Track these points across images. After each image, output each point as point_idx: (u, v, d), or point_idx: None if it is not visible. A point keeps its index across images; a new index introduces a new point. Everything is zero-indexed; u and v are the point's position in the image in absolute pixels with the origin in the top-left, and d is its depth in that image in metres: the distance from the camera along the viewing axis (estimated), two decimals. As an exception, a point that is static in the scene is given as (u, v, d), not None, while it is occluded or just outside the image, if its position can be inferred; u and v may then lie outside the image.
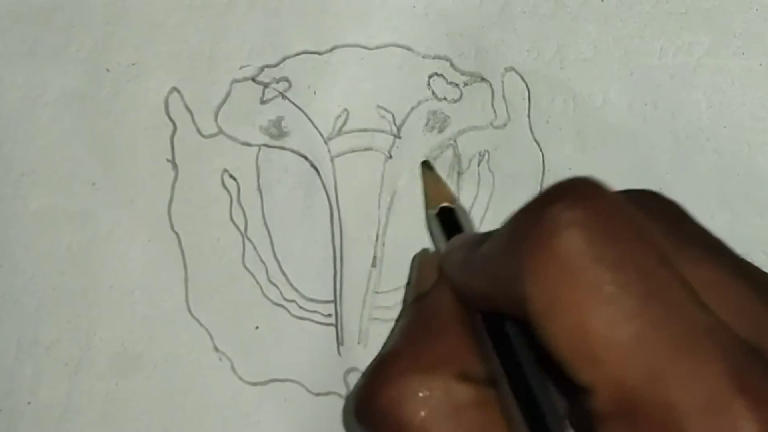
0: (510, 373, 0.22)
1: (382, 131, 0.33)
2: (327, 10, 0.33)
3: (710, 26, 0.32)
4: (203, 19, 0.33)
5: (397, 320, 0.28)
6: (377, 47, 0.33)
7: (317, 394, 0.33)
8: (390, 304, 0.33)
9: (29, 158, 0.33)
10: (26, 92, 0.33)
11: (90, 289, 0.33)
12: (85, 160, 0.33)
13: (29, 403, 0.32)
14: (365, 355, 0.32)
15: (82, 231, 0.33)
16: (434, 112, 0.33)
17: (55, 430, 0.32)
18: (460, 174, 0.34)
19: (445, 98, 0.33)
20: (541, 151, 0.33)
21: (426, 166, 0.33)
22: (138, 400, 0.33)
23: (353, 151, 0.33)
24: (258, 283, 0.33)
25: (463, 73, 0.34)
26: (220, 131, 0.33)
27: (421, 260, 0.31)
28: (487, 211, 0.34)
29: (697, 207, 0.31)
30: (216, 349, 0.33)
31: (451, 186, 0.33)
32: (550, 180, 0.33)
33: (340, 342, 0.33)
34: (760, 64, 0.32)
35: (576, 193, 0.20)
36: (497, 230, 0.22)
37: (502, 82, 0.34)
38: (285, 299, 0.33)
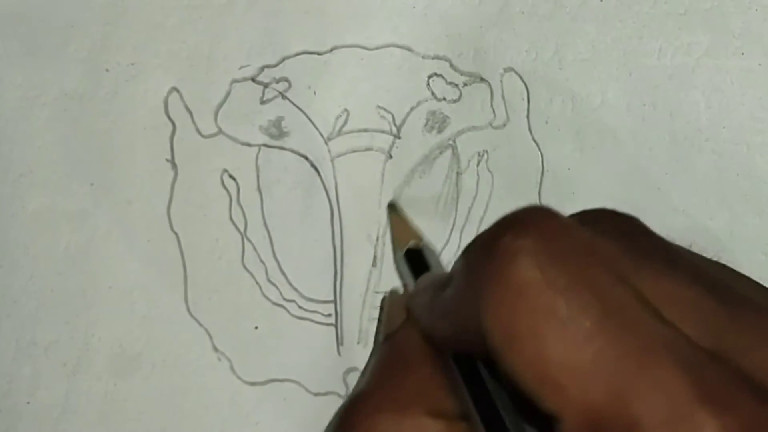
0: (481, 410, 0.22)
1: (382, 131, 0.33)
2: (326, 10, 0.33)
3: (709, 27, 0.33)
4: (202, 19, 0.33)
5: (369, 359, 0.28)
6: (377, 47, 0.33)
7: (317, 394, 0.33)
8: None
9: (28, 158, 0.32)
10: (25, 92, 0.33)
11: (88, 289, 0.33)
12: (84, 160, 0.33)
13: (28, 403, 0.32)
14: (365, 355, 0.32)
15: (80, 231, 0.33)
16: (433, 113, 0.33)
17: (54, 431, 0.32)
18: (459, 174, 0.34)
19: (444, 98, 0.33)
20: (540, 151, 0.33)
21: (392, 208, 0.33)
22: (137, 401, 0.32)
23: (353, 151, 0.33)
24: (257, 283, 0.33)
25: (462, 74, 0.34)
26: (220, 131, 0.33)
27: (390, 300, 0.32)
28: (487, 211, 0.34)
29: (696, 207, 0.31)
30: (215, 349, 0.33)
31: (451, 186, 0.33)
32: (550, 180, 0.33)
33: (339, 342, 0.33)
34: (759, 65, 0.32)
35: (525, 221, 0.20)
36: (455, 267, 0.22)
37: (501, 82, 0.34)
38: (284, 299, 0.33)
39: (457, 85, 0.34)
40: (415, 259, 0.31)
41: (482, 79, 0.34)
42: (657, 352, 0.18)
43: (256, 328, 0.33)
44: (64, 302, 0.32)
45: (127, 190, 0.33)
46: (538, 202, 0.33)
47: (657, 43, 0.33)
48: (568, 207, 0.33)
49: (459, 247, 0.33)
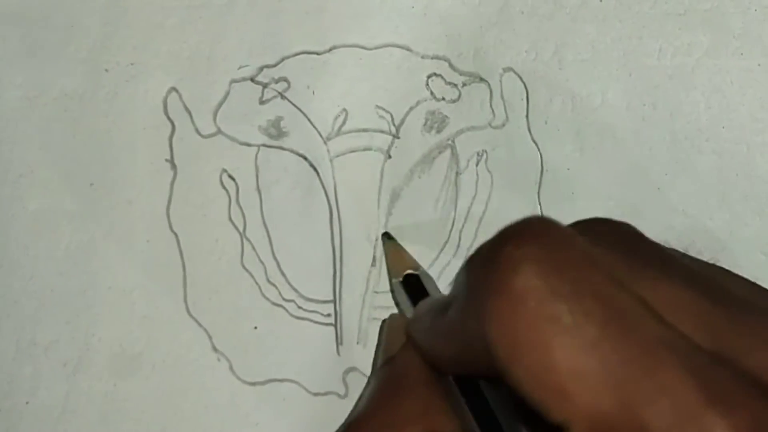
0: (485, 429, 0.22)
1: (381, 131, 0.33)
2: (326, 10, 0.33)
3: (709, 27, 0.33)
4: (202, 19, 0.33)
5: (366, 384, 0.28)
6: (376, 47, 0.33)
7: (316, 394, 0.33)
8: (390, 304, 0.33)
9: (28, 159, 0.32)
10: (25, 92, 0.33)
11: (88, 289, 0.33)
12: (84, 160, 0.33)
13: (28, 403, 0.32)
14: (364, 355, 0.32)
15: (80, 231, 0.33)
16: (433, 112, 0.33)
17: (54, 431, 0.32)
18: (458, 174, 0.34)
19: (443, 98, 0.33)
20: (539, 151, 0.33)
21: (387, 237, 0.33)
22: (136, 401, 0.32)
23: (352, 151, 0.33)
24: (257, 283, 0.33)
25: (461, 74, 0.34)
26: (219, 131, 0.33)
27: (389, 324, 0.32)
28: (486, 211, 0.34)
29: (696, 207, 0.31)
30: (215, 349, 0.33)
31: (450, 186, 0.33)
32: (549, 180, 0.33)
33: (339, 342, 0.33)
34: (759, 65, 0.32)
35: (526, 232, 0.20)
36: (456, 280, 0.22)
37: (501, 82, 0.34)
38: (284, 299, 0.33)
39: (456, 85, 0.34)
40: (413, 285, 0.31)
41: (481, 79, 0.34)
42: (662, 356, 0.18)
43: (256, 328, 0.33)
44: (64, 302, 0.32)
45: (126, 190, 0.33)
46: (537, 202, 0.33)
47: (657, 44, 0.33)
48: (567, 207, 0.33)
49: (458, 247, 0.33)
